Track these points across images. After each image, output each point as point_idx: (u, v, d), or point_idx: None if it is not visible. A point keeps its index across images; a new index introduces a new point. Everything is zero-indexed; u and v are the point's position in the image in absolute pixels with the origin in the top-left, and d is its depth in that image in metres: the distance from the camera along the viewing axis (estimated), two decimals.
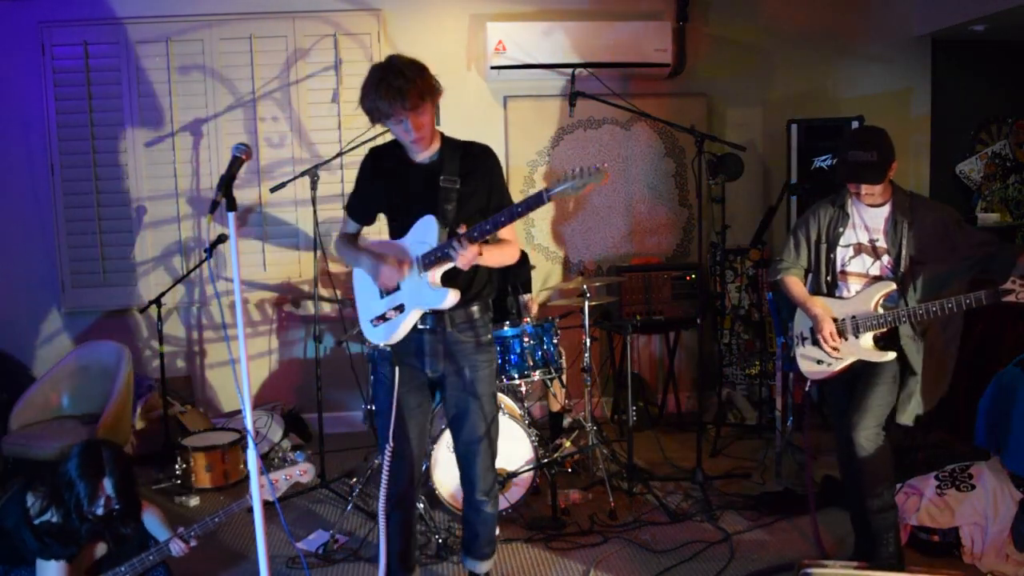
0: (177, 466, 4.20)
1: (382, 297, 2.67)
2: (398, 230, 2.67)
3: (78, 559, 2.72)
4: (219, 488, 4.16)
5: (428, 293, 2.55)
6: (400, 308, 2.62)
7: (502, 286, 4.40)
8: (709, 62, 5.20)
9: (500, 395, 3.87)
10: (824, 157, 4.67)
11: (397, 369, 2.62)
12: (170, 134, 4.87)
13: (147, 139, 4.86)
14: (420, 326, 2.64)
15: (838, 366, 3.03)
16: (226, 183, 2.21)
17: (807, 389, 3.22)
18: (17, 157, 4.81)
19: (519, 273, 4.56)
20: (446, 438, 3.56)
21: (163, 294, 4.54)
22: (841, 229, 3.00)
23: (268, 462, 4.58)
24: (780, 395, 4.57)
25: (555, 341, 3.97)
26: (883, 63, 5.23)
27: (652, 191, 5.24)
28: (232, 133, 4.89)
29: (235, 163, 2.28)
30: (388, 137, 2.78)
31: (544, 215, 5.18)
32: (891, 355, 2.91)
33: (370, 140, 3.45)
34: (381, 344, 2.68)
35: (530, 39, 4.78)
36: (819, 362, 3.08)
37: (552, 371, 3.94)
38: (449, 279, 2.57)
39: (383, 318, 2.66)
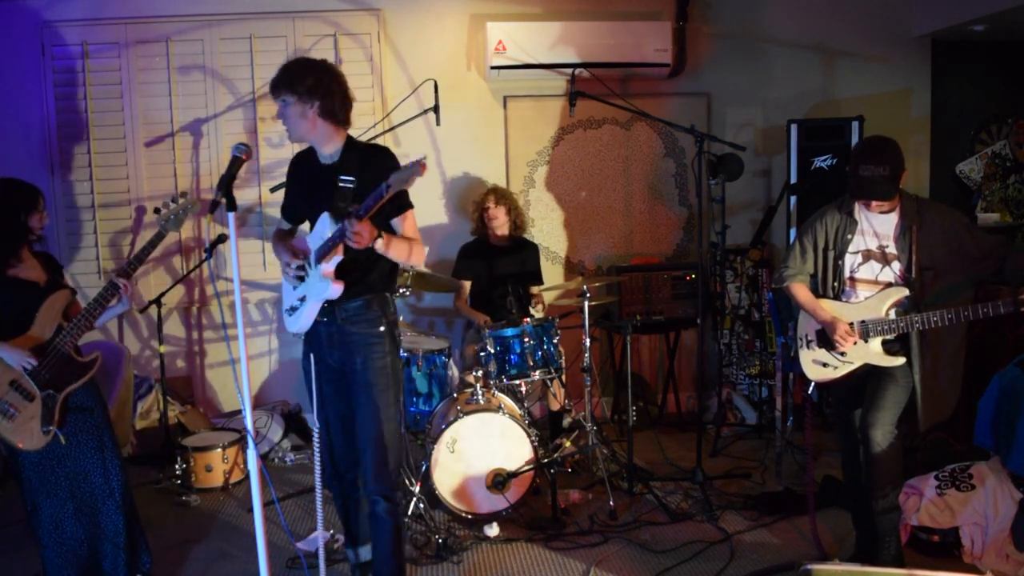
0: (177, 466, 4.20)
1: (294, 289, 2.83)
2: (310, 228, 2.81)
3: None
4: (219, 488, 4.16)
5: (319, 284, 2.70)
6: (303, 299, 2.77)
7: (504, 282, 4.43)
8: (709, 62, 5.20)
9: (500, 395, 3.88)
10: (824, 157, 4.66)
11: (312, 357, 2.80)
12: (170, 134, 4.87)
13: (147, 139, 4.86)
14: (319, 318, 2.77)
15: (844, 370, 3.03)
16: (226, 183, 2.22)
17: (808, 390, 3.21)
18: (17, 157, 4.80)
19: (528, 262, 4.57)
20: (446, 438, 3.56)
21: (163, 294, 4.55)
22: (850, 236, 2.98)
23: (268, 462, 4.58)
24: (780, 395, 4.58)
25: (555, 341, 3.97)
26: (883, 63, 5.23)
27: (652, 191, 5.24)
28: (232, 133, 4.89)
29: (235, 163, 2.29)
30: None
31: (544, 215, 5.18)
32: (900, 360, 2.91)
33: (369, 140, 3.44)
34: (292, 332, 2.86)
35: (530, 39, 4.78)
36: (825, 365, 3.07)
37: (552, 371, 3.94)
38: (344, 272, 2.68)
39: (292, 309, 2.83)
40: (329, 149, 2.75)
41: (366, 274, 2.74)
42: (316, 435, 2.71)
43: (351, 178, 2.65)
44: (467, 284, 4.55)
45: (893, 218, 2.93)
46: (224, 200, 2.21)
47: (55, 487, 2.86)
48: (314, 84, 2.62)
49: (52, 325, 2.85)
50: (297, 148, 4.88)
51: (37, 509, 2.86)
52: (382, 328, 2.76)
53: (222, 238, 4.32)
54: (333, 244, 2.59)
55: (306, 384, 2.86)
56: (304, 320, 2.78)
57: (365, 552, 3.00)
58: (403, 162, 2.49)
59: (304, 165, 2.85)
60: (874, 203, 2.89)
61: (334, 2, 4.89)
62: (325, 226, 2.67)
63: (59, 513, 2.87)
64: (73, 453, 2.89)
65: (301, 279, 2.77)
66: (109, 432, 2.99)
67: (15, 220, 2.85)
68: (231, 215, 2.20)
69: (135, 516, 3.05)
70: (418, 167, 2.35)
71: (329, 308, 2.74)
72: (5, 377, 2.76)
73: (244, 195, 4.87)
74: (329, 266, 2.64)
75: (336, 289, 2.65)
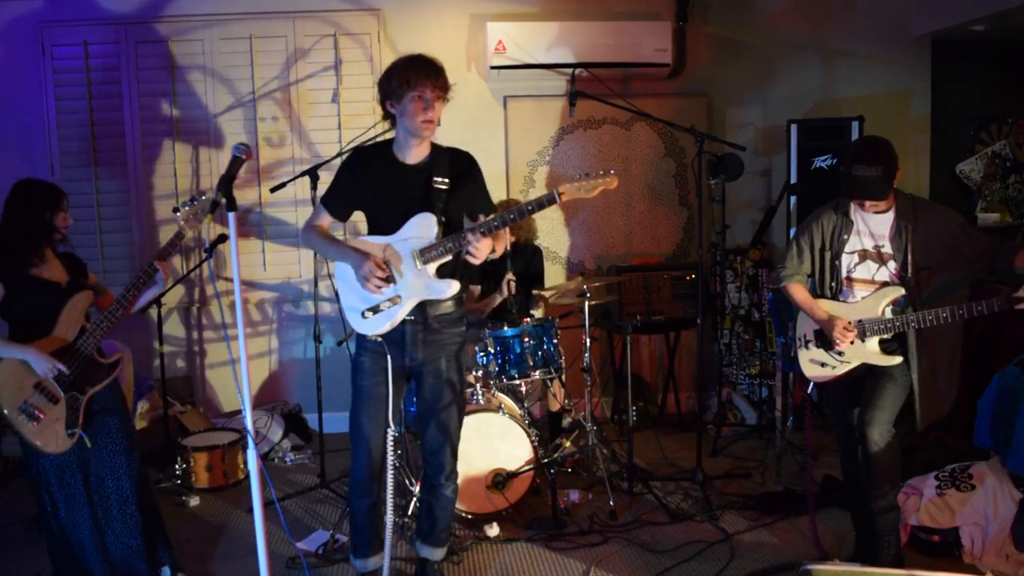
0: (177, 466, 4.20)
1: (375, 289, 2.74)
2: (386, 227, 2.76)
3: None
4: (219, 488, 4.16)
5: (430, 285, 2.72)
6: (395, 300, 2.72)
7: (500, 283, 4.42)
8: (709, 62, 5.20)
9: (500, 395, 3.88)
10: (824, 157, 4.66)
11: (389, 358, 2.74)
12: (170, 134, 4.87)
13: (147, 139, 4.86)
14: (405, 317, 2.75)
15: (842, 369, 3.03)
16: (226, 183, 2.22)
17: (807, 390, 3.22)
18: (17, 157, 4.80)
19: (532, 264, 4.56)
20: None
21: (163, 294, 4.53)
22: (846, 236, 2.99)
23: (268, 462, 4.58)
24: (780, 395, 4.58)
25: (555, 341, 3.97)
26: (883, 63, 5.23)
27: (652, 191, 5.24)
28: (232, 133, 4.89)
29: (235, 163, 2.28)
30: (387, 136, 2.83)
31: (544, 215, 5.17)
32: (897, 359, 2.92)
33: (371, 140, 3.44)
34: (370, 335, 2.77)
35: (530, 39, 4.78)
36: (823, 365, 3.08)
37: (552, 371, 3.94)
38: (439, 272, 2.75)
39: (375, 310, 2.74)
40: (421, 153, 2.78)
41: (453, 272, 2.78)
42: (392, 437, 2.75)
43: (446, 180, 2.73)
44: (475, 288, 4.51)
45: (888, 218, 2.94)
46: (224, 200, 2.21)
47: (73, 490, 2.86)
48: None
49: (75, 327, 2.86)
50: (298, 148, 4.91)
51: (57, 512, 2.86)
52: (463, 329, 2.89)
53: (222, 238, 4.31)
54: (445, 251, 2.66)
55: (364, 386, 2.81)
56: (392, 320, 2.74)
57: (377, 560, 2.97)
58: None
59: (377, 162, 2.81)
60: (868, 203, 2.90)
61: (334, 2, 4.90)
62: (428, 227, 2.70)
63: (77, 516, 2.87)
64: (93, 454, 2.89)
65: (387, 281, 2.70)
66: (129, 433, 3.01)
67: (39, 220, 2.86)
68: (231, 215, 2.20)
69: (155, 515, 3.07)
70: (608, 178, 2.52)
71: (420, 308, 2.75)
72: (29, 380, 2.77)
73: (244, 195, 4.87)
74: (435, 265, 2.72)
75: (454, 289, 2.73)
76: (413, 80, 2.62)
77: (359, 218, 2.89)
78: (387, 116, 2.78)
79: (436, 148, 2.82)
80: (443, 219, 2.72)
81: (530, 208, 2.61)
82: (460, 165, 2.82)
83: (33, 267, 2.84)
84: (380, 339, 2.75)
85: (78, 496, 2.86)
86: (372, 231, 2.82)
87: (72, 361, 2.81)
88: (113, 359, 2.95)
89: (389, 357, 2.73)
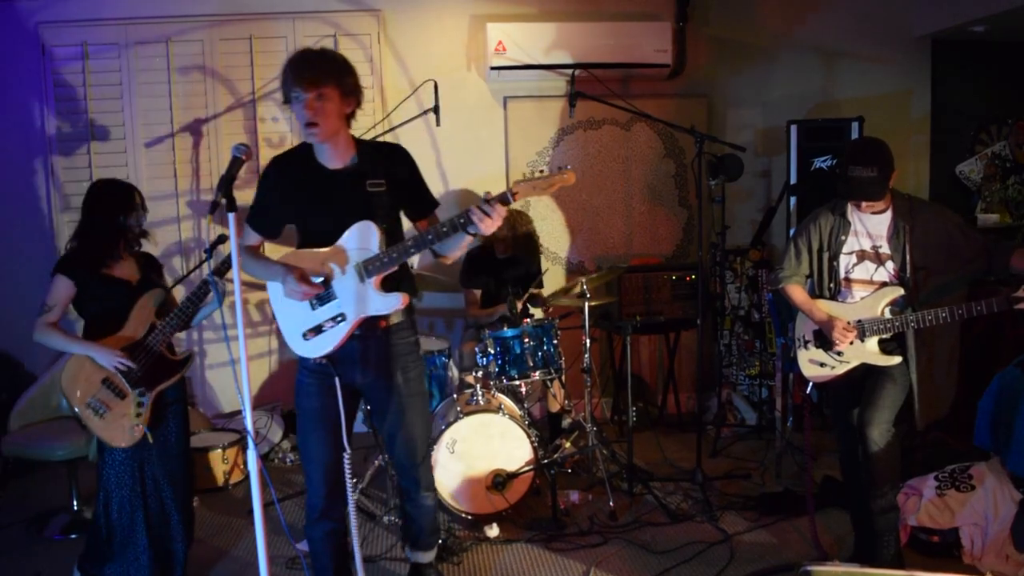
0: None
1: (314, 308, 2.55)
2: (319, 240, 2.55)
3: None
4: (219, 489, 4.16)
5: (375, 299, 2.51)
6: (339, 318, 2.52)
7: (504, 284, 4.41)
8: (709, 62, 5.20)
9: (500, 396, 3.88)
10: (824, 157, 4.67)
11: (337, 378, 2.55)
12: (170, 134, 4.87)
13: (147, 139, 4.86)
14: (354, 333, 2.55)
15: (841, 369, 3.03)
16: (226, 183, 2.22)
17: (807, 391, 3.22)
18: (17, 158, 4.81)
19: (532, 263, 4.55)
20: (445, 439, 3.56)
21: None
22: (843, 237, 2.99)
23: (268, 462, 4.58)
24: (780, 396, 4.58)
25: (555, 341, 3.97)
26: (883, 64, 5.23)
27: (652, 191, 5.24)
28: (232, 133, 4.89)
29: (235, 163, 2.28)
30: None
31: (544, 215, 5.17)
32: (897, 359, 2.92)
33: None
34: (314, 358, 2.57)
35: (530, 40, 4.78)
36: (822, 365, 3.08)
37: (552, 371, 3.94)
38: (384, 282, 2.54)
39: (317, 330, 2.55)
40: (345, 154, 2.54)
41: (401, 282, 2.61)
42: (348, 459, 2.59)
43: (381, 181, 2.52)
44: (478, 292, 4.51)
45: (886, 218, 2.94)
46: (224, 200, 2.20)
47: (130, 492, 2.89)
48: (356, 84, 2.49)
49: (145, 324, 2.91)
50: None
51: (110, 513, 2.87)
52: (415, 337, 2.73)
53: (222, 239, 4.31)
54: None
55: (312, 408, 2.61)
56: (337, 341, 2.52)
57: None
58: None
59: (297, 169, 2.57)
60: (864, 204, 2.91)
61: (334, 2, 4.90)
62: (368, 237, 2.48)
63: (126, 520, 2.89)
64: (155, 454, 2.92)
65: (322, 299, 2.53)
66: (189, 434, 3.05)
67: (112, 222, 2.91)
68: (231, 215, 2.20)
69: (192, 519, 3.09)
70: (565, 175, 2.32)
71: (369, 322, 2.54)
72: (97, 376, 2.82)
73: (244, 196, 4.84)
74: (380, 278, 2.51)
75: (403, 302, 2.52)
76: (288, 81, 2.40)
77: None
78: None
79: (362, 146, 2.58)
80: (384, 226, 2.50)
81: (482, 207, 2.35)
82: (395, 161, 2.60)
83: (106, 266, 2.90)
84: (325, 360, 2.56)
85: (135, 499, 2.89)
86: (303, 246, 2.59)
87: (140, 357, 2.86)
88: (183, 356, 2.99)
89: (337, 378, 2.54)
